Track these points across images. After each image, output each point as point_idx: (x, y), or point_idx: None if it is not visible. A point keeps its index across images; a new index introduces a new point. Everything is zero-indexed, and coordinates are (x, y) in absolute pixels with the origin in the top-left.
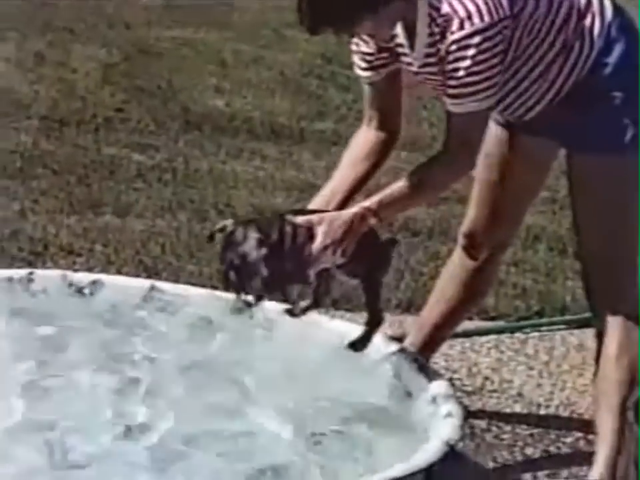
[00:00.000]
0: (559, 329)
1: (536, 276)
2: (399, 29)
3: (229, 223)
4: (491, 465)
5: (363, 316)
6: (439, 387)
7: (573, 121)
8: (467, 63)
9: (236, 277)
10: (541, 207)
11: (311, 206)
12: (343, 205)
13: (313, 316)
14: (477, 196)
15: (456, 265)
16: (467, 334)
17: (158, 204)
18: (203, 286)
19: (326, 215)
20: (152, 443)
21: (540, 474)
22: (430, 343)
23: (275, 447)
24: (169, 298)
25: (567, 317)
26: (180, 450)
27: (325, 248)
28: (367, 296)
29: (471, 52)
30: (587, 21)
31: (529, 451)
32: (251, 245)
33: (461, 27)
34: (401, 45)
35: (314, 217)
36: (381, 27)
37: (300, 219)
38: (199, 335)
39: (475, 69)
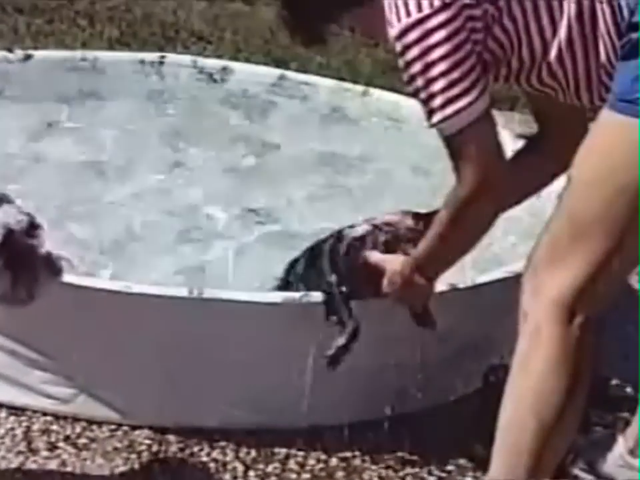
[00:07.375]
0: None
1: None
2: None
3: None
4: None
5: None
6: None
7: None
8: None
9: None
10: None
11: None
12: None
13: None
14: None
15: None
16: None
17: None
18: (330, 77)
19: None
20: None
21: None
22: None
23: None
24: (298, 87)
25: None
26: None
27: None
28: None
29: (411, 53)
30: None
31: None
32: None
33: (391, 27)
34: None
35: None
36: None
37: (375, 257)
38: (327, 123)
39: (422, 74)
